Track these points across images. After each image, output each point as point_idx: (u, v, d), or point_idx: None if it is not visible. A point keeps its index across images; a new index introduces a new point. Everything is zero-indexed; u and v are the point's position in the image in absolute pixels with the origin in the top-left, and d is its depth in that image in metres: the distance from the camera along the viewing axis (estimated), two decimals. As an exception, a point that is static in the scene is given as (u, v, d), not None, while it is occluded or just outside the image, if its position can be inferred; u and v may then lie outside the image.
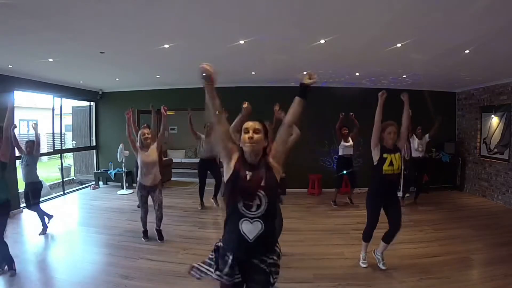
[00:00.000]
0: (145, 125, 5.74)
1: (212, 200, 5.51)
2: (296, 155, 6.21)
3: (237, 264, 1.58)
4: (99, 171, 7.56)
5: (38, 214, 4.18)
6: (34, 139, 4.20)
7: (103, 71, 5.37)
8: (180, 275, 3.05)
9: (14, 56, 4.12)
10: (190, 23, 2.98)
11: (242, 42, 3.48)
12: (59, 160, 7.41)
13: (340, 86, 6.59)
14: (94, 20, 2.86)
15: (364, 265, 3.17)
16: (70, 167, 9.96)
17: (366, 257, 3.22)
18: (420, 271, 3.05)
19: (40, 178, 4.35)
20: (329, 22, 2.94)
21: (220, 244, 1.68)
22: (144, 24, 2.98)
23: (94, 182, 7.46)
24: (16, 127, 3.85)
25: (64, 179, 7.24)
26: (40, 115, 12.95)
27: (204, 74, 1.58)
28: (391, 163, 2.91)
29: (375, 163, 2.99)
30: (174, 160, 9.18)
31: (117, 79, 6.25)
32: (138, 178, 3.79)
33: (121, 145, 6.71)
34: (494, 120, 5.93)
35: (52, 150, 6.91)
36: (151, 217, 3.93)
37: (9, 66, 4.69)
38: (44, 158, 12.79)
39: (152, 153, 3.74)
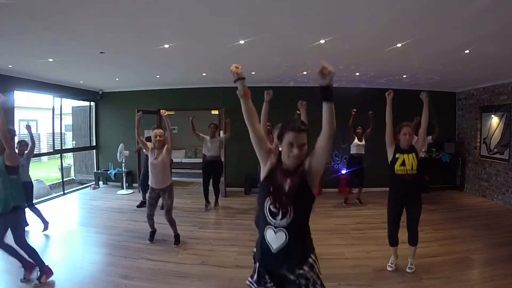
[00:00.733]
0: (155, 125, 5.79)
1: (214, 205, 5.50)
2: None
3: (267, 272, 1.50)
4: (99, 171, 7.56)
5: (35, 213, 4.18)
6: (28, 140, 4.15)
7: (103, 71, 5.37)
8: (180, 275, 3.05)
9: (14, 56, 4.12)
10: (190, 23, 2.98)
11: (242, 42, 3.48)
12: (59, 160, 7.41)
13: (340, 86, 6.58)
14: (94, 20, 2.86)
15: (390, 269, 3.09)
16: (70, 167, 9.96)
17: (395, 261, 3.13)
18: (420, 271, 3.05)
19: (32, 178, 4.33)
20: (329, 22, 2.94)
21: (254, 249, 1.62)
22: (144, 24, 2.98)
23: (94, 182, 7.46)
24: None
25: (64, 179, 7.24)
26: (40, 115, 12.97)
27: (235, 78, 1.54)
28: (403, 163, 2.87)
29: (389, 162, 2.97)
30: (174, 160, 9.15)
31: (117, 79, 6.25)
32: (149, 181, 3.74)
33: (121, 145, 6.72)
34: (494, 120, 5.93)
35: (52, 150, 6.92)
36: (159, 219, 3.92)
37: (9, 66, 4.69)
38: (44, 158, 12.81)
39: (162, 154, 3.69)
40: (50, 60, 4.30)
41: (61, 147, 6.96)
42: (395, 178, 2.92)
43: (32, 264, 2.90)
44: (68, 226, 4.59)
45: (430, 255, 3.43)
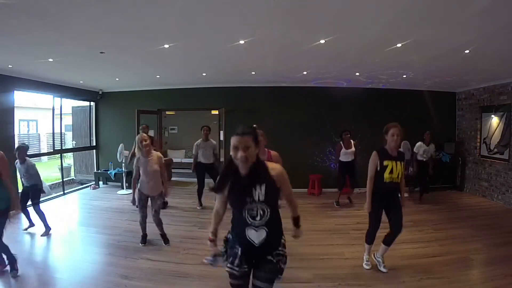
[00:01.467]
0: (144, 125, 5.75)
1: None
2: (296, 155, 6.23)
3: (246, 257, 1.68)
4: (99, 171, 7.56)
5: (39, 216, 4.16)
6: (26, 144, 4.16)
7: (103, 71, 5.37)
8: (180, 275, 3.05)
9: (14, 56, 4.12)
10: (190, 23, 2.98)
11: (242, 42, 3.48)
12: (59, 160, 7.41)
13: (340, 86, 6.59)
14: (94, 20, 2.86)
15: (368, 267, 3.13)
16: (70, 167, 9.97)
17: (370, 258, 3.19)
18: (420, 271, 3.05)
19: (42, 178, 4.34)
20: (329, 22, 2.94)
21: (229, 236, 1.78)
22: (144, 24, 2.98)
23: (94, 182, 7.46)
24: None
25: (64, 179, 7.24)
26: (40, 115, 12.98)
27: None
28: (391, 171, 2.84)
29: (377, 168, 2.92)
30: (174, 160, 9.17)
31: (117, 79, 6.25)
32: (139, 186, 3.65)
33: (121, 145, 6.72)
34: (494, 120, 5.93)
35: (52, 150, 6.91)
36: (151, 220, 3.89)
37: (9, 66, 4.69)
38: (44, 158, 12.80)
39: (153, 162, 3.56)
40: (50, 60, 4.30)
41: (61, 147, 6.95)
42: (381, 184, 2.89)
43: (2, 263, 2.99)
44: (68, 226, 4.59)
45: (430, 255, 3.43)
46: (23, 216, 4.42)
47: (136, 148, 3.71)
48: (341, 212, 5.24)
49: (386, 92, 6.72)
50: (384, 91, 6.72)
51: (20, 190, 5.26)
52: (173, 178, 8.15)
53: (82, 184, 8.19)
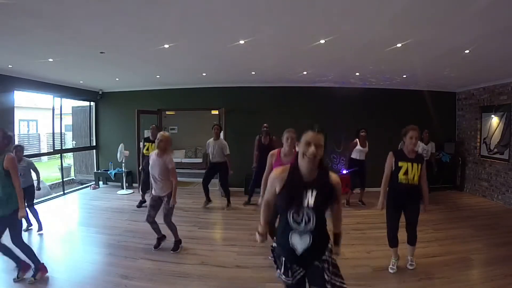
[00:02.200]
0: (154, 125, 5.77)
1: (226, 207, 5.50)
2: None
3: (291, 265, 1.64)
4: (99, 171, 7.56)
5: (32, 214, 4.17)
6: (22, 144, 4.20)
7: (103, 71, 5.37)
8: (180, 275, 3.05)
9: (14, 56, 4.12)
10: (190, 23, 2.98)
11: (242, 42, 3.48)
12: (59, 160, 7.41)
13: (340, 86, 6.59)
14: (94, 20, 2.86)
15: (392, 271, 3.06)
16: (70, 167, 9.97)
17: (396, 262, 3.11)
18: (420, 271, 3.05)
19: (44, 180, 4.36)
20: (329, 22, 2.94)
21: (274, 245, 1.72)
22: (144, 24, 2.98)
23: (94, 182, 7.46)
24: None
25: (64, 179, 7.24)
26: (40, 115, 12.98)
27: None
28: (406, 172, 2.83)
29: (392, 168, 2.94)
30: (174, 160, 9.17)
31: (117, 79, 6.25)
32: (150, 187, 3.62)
33: (121, 145, 6.71)
34: (494, 120, 5.93)
35: (52, 150, 6.91)
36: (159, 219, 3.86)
37: (9, 66, 4.69)
38: (44, 158, 12.80)
39: (162, 162, 3.48)
40: (50, 60, 4.30)
41: (61, 147, 6.95)
42: (395, 184, 2.90)
43: (27, 265, 2.92)
44: (68, 226, 4.59)
45: (430, 255, 3.43)
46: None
47: (152, 147, 3.65)
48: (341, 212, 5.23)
49: (386, 92, 6.72)
50: (384, 91, 6.71)
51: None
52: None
53: (82, 184, 8.20)
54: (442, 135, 6.74)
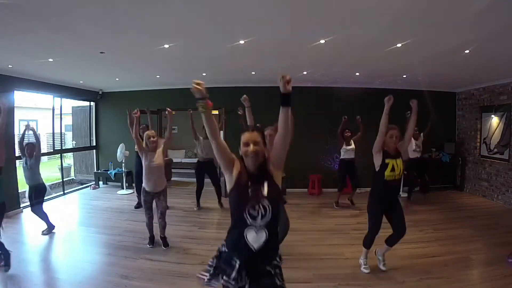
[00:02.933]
0: (144, 125, 5.75)
1: (219, 206, 5.51)
2: (296, 155, 6.22)
3: (244, 268, 1.56)
4: (99, 171, 7.56)
5: (39, 216, 4.15)
6: (34, 141, 4.17)
7: (103, 71, 5.37)
8: (180, 275, 3.05)
9: (14, 56, 4.12)
10: (190, 23, 2.98)
11: (242, 42, 3.48)
12: (59, 160, 7.41)
13: (340, 86, 6.59)
14: (94, 20, 2.86)
15: (367, 271, 3.08)
16: (70, 167, 9.96)
17: (367, 262, 3.14)
18: (420, 271, 3.05)
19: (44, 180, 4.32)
20: (329, 22, 2.94)
21: (224, 249, 1.65)
22: (144, 24, 2.98)
23: (94, 182, 7.46)
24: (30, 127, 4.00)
25: (64, 179, 7.24)
26: (40, 115, 12.96)
27: (198, 97, 1.55)
28: (392, 169, 2.86)
29: (376, 169, 2.93)
30: (174, 160, 9.17)
31: (117, 79, 6.25)
32: (143, 183, 3.63)
33: (121, 145, 6.71)
34: (494, 120, 5.93)
35: (52, 150, 6.92)
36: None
37: (9, 66, 4.69)
38: (44, 158, 12.79)
39: (158, 157, 3.58)
40: (50, 60, 4.30)
41: (61, 147, 6.96)
42: (383, 184, 2.89)
43: None
44: (68, 226, 4.59)
45: (430, 255, 3.43)
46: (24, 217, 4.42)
47: (142, 145, 3.66)
48: (341, 212, 5.24)
49: (386, 92, 6.64)
50: (384, 91, 6.68)
51: (22, 190, 5.30)
52: (173, 178, 8.15)
53: (82, 184, 8.19)
54: (442, 135, 6.75)
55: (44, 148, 11.97)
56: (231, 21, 2.94)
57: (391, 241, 3.03)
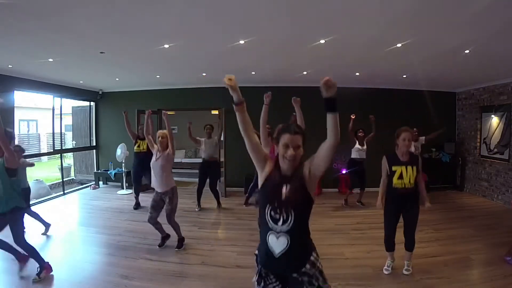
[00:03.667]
0: (142, 125, 5.70)
1: (217, 207, 5.52)
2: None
3: (271, 273, 1.54)
4: (99, 171, 7.56)
5: (33, 217, 4.14)
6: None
7: (103, 71, 5.37)
8: (180, 275, 3.05)
9: (14, 56, 4.12)
10: (190, 23, 2.98)
11: (242, 42, 3.48)
12: (59, 160, 7.41)
13: (340, 86, 6.58)
14: (94, 20, 2.86)
15: (387, 272, 3.04)
16: (70, 167, 9.96)
17: (391, 264, 3.09)
18: (420, 271, 3.05)
19: (33, 178, 4.28)
20: (329, 22, 2.94)
21: (256, 252, 1.64)
22: (144, 24, 2.98)
23: (94, 182, 7.46)
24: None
25: (64, 179, 7.23)
26: (40, 115, 12.98)
27: (236, 101, 1.51)
28: (400, 176, 2.76)
29: (387, 173, 2.91)
30: (174, 160, 9.17)
31: (117, 79, 6.25)
32: (152, 183, 3.66)
33: (121, 145, 6.71)
34: (494, 120, 5.93)
35: (52, 150, 6.91)
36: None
37: (9, 66, 4.69)
38: (44, 158, 12.80)
39: (164, 157, 3.56)
40: (50, 60, 4.30)
41: (61, 147, 6.95)
42: (390, 189, 2.85)
43: (25, 256, 2.96)
44: (68, 226, 4.59)
45: (430, 255, 3.43)
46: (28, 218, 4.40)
47: (154, 144, 3.66)
48: (341, 212, 5.24)
49: (386, 92, 6.72)
50: (384, 91, 6.71)
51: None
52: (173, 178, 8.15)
53: (82, 184, 8.19)
54: (442, 135, 6.74)
55: (44, 148, 12.01)
56: (231, 21, 2.94)
57: (406, 245, 2.98)
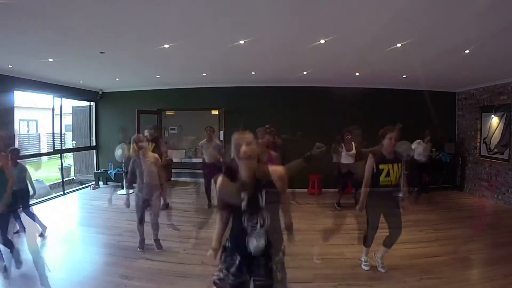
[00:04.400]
0: (154, 125, 5.64)
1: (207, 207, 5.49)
2: (296, 156, 6.21)
3: (245, 264, 1.62)
4: (99, 171, 7.56)
5: (32, 218, 4.12)
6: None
7: (103, 71, 5.37)
8: (180, 275, 3.05)
9: (14, 56, 4.12)
10: (190, 23, 2.98)
11: (242, 42, 3.48)
12: (59, 160, 7.40)
13: (340, 86, 6.59)
14: (94, 20, 2.86)
15: (366, 268, 3.11)
16: (70, 167, 9.95)
17: (368, 259, 3.16)
18: (420, 271, 3.05)
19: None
20: (329, 22, 2.94)
21: (228, 244, 1.70)
22: (144, 24, 2.98)
23: (94, 182, 7.46)
24: None
25: (64, 179, 7.23)
26: (40, 115, 12.96)
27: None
28: (388, 174, 2.81)
29: (373, 172, 2.91)
30: (174, 160, 9.17)
31: (117, 79, 6.25)
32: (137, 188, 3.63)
33: (121, 145, 6.70)
34: (494, 120, 5.93)
35: (52, 150, 6.91)
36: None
37: (9, 66, 4.69)
38: (44, 158, 12.79)
39: (150, 163, 3.53)
40: (50, 60, 4.30)
41: (61, 147, 6.95)
42: (377, 188, 2.87)
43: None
44: (68, 226, 4.59)
45: (430, 255, 3.43)
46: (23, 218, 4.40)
47: (131, 149, 3.67)
48: (341, 212, 5.23)
49: (386, 92, 6.72)
50: (384, 91, 6.71)
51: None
52: (173, 178, 8.14)
53: (82, 184, 8.19)
54: (442, 135, 6.74)
55: (44, 148, 12.00)
56: (231, 21, 2.94)
57: (387, 243, 3.02)
